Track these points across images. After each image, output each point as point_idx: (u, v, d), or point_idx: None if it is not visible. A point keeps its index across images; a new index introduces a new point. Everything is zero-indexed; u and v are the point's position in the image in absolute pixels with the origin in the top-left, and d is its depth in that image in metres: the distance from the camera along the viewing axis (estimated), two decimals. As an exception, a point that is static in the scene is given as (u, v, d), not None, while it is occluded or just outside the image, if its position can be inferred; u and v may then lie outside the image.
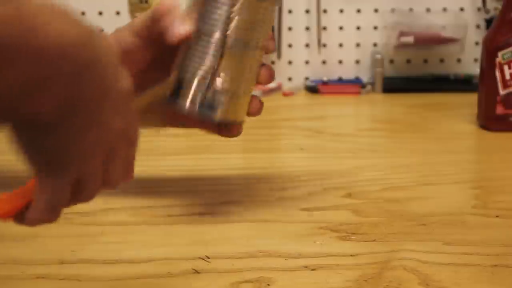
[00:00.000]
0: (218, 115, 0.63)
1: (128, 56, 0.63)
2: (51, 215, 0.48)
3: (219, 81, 0.62)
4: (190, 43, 0.62)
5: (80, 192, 0.48)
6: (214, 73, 0.62)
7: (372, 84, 1.35)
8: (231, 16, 0.62)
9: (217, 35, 0.62)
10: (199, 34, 0.62)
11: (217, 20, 0.62)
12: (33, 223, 0.48)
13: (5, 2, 0.38)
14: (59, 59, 0.40)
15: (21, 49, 0.38)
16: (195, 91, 0.62)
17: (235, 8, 0.62)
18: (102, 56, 0.43)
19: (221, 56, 0.62)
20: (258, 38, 0.64)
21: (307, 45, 1.38)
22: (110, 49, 0.45)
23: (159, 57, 0.66)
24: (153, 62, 0.66)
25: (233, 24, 0.62)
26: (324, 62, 1.39)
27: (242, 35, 0.63)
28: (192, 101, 0.62)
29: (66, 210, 0.67)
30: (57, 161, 0.45)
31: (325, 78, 1.36)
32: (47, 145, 0.43)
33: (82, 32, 0.41)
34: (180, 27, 0.61)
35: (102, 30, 0.49)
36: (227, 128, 0.67)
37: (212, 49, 0.62)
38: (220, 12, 0.62)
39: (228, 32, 0.62)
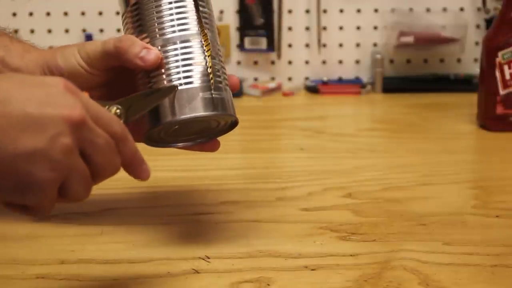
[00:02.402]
0: (233, 112, 0.62)
1: (74, 78, 0.60)
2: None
3: (223, 79, 0.61)
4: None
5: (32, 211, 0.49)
6: (213, 72, 0.60)
7: (372, 84, 1.35)
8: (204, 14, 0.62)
9: (196, 37, 0.60)
10: (170, 44, 0.60)
11: (190, 23, 0.61)
12: None
13: None
14: None
15: None
16: (206, 95, 0.59)
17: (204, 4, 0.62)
18: None
19: (210, 55, 0.60)
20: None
21: (307, 45, 1.38)
22: None
23: (107, 81, 0.64)
24: (101, 85, 0.64)
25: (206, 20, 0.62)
26: (324, 62, 1.39)
27: (213, 26, 0.63)
28: (210, 105, 0.59)
29: (69, 209, 0.67)
30: None
31: (325, 78, 1.36)
32: None
33: None
34: (149, 53, 0.59)
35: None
36: (212, 143, 0.65)
37: (200, 51, 0.60)
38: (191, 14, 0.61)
39: (207, 26, 0.61)
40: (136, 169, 0.53)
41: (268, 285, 0.56)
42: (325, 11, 1.37)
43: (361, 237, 0.65)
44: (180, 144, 0.64)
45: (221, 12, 1.35)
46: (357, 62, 1.39)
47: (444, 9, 1.37)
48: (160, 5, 0.61)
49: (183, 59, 0.60)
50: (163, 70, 0.60)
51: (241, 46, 1.36)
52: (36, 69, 0.63)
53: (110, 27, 1.34)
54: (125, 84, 0.63)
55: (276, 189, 0.79)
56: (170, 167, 0.86)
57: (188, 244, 0.64)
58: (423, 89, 1.33)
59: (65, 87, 0.48)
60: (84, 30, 1.34)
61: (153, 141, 0.62)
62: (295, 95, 1.33)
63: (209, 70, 0.60)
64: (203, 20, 0.61)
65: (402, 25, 1.32)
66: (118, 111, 0.54)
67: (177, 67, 0.59)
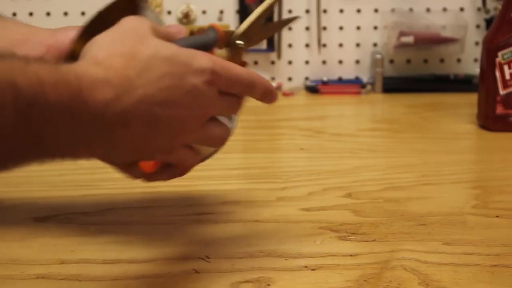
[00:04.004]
0: None
1: None
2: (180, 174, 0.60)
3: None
4: None
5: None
6: None
7: (372, 84, 1.35)
8: None
9: None
10: None
11: None
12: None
13: (52, 67, 0.44)
14: (97, 123, 0.47)
15: (64, 112, 0.44)
16: None
17: None
18: (144, 92, 0.49)
19: None
20: None
21: (307, 45, 1.38)
22: (163, 70, 0.50)
23: None
24: None
25: None
26: (324, 62, 1.39)
27: None
28: None
29: (69, 209, 0.67)
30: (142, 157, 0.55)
31: (325, 78, 1.36)
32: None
33: (117, 87, 0.47)
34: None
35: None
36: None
37: None
38: None
39: None
40: (268, 99, 0.58)
41: (268, 285, 0.56)
42: (325, 11, 1.37)
43: (361, 237, 0.65)
44: None
45: (221, 12, 1.35)
46: (357, 62, 1.39)
47: (444, 9, 1.37)
48: None
49: None
50: None
51: (241, 46, 1.36)
52: None
53: (110, 27, 1.34)
54: None
55: (276, 189, 0.79)
56: (170, 167, 0.86)
57: (188, 244, 0.64)
58: (423, 89, 1.33)
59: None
60: (84, 30, 1.34)
61: None
62: (295, 95, 1.33)
63: None
64: None
65: (402, 25, 1.32)
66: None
67: None
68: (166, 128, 0.51)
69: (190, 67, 0.51)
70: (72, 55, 0.59)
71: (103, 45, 0.51)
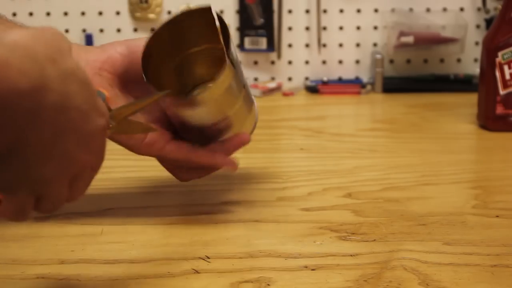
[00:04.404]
0: None
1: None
2: (15, 217, 0.50)
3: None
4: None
5: (41, 205, 0.49)
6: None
7: (372, 84, 1.35)
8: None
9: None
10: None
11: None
12: (3, 218, 0.50)
13: None
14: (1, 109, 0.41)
15: None
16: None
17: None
18: (59, 100, 0.44)
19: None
20: None
21: (307, 45, 1.38)
22: (79, 92, 0.46)
23: None
24: None
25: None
26: (324, 62, 1.39)
27: None
28: None
29: (69, 209, 0.66)
30: (8, 184, 0.46)
31: (325, 78, 1.36)
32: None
33: (33, 80, 0.42)
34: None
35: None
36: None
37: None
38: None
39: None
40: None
41: (268, 285, 0.56)
42: (325, 11, 1.37)
43: (361, 237, 0.65)
44: None
45: (221, 12, 1.35)
46: (357, 62, 1.39)
47: (444, 9, 1.37)
48: None
49: None
50: None
51: (241, 46, 1.36)
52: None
53: (110, 27, 1.34)
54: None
55: (276, 189, 0.79)
56: (170, 167, 0.86)
57: (188, 244, 0.64)
58: (423, 89, 1.33)
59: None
60: (84, 30, 1.34)
61: None
62: (295, 95, 1.33)
63: None
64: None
65: (402, 25, 1.32)
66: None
67: None
68: (61, 154, 0.46)
69: (95, 104, 0.48)
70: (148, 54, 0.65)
71: (23, 38, 0.44)
